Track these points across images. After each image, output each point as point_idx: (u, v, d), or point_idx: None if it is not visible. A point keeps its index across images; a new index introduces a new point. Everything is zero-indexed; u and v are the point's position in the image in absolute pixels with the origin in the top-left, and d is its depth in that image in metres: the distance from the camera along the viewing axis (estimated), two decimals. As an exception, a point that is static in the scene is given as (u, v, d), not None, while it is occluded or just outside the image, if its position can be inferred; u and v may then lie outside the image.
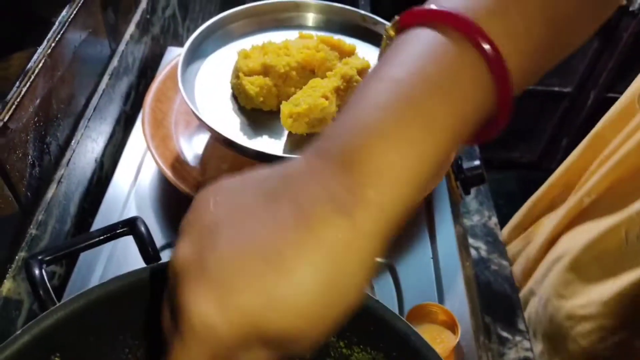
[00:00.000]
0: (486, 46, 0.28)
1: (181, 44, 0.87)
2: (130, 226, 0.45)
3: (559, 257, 0.78)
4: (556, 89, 1.83)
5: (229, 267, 0.26)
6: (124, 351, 0.44)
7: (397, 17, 0.33)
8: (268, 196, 0.28)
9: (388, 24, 0.83)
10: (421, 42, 0.29)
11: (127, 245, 0.64)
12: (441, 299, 0.64)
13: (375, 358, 0.46)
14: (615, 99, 0.78)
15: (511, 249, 0.94)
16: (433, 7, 0.29)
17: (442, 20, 0.29)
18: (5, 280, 0.53)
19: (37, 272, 0.42)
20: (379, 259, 0.31)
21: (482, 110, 0.30)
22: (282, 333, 0.25)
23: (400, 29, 0.32)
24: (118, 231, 0.45)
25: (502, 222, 0.90)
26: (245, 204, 0.28)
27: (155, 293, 0.42)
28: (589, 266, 0.73)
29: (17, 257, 0.55)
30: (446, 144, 0.27)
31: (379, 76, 0.29)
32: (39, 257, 0.43)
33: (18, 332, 0.36)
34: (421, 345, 0.43)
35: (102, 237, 0.45)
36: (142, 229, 0.45)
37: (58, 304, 0.38)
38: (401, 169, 0.26)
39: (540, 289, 0.82)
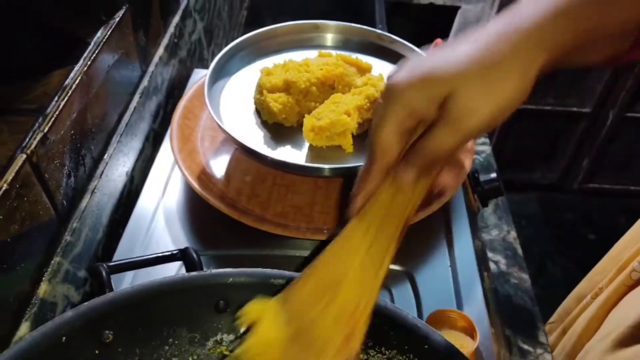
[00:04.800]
0: None
1: (206, 67, 0.91)
2: (182, 253, 0.55)
3: (603, 337, 0.69)
4: (574, 109, 1.83)
5: (421, 60, 0.39)
6: (163, 347, 0.48)
7: None
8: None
9: (404, 42, 0.86)
10: None
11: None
12: (460, 306, 0.65)
13: (389, 357, 0.48)
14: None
15: (551, 339, 0.84)
16: None
17: None
18: (41, 283, 0.56)
19: (104, 274, 0.52)
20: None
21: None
22: (451, 86, 0.36)
23: None
24: (170, 256, 0.56)
25: (524, 244, 0.88)
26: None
27: (198, 300, 0.48)
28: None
29: (52, 262, 0.58)
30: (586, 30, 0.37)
31: None
32: (105, 265, 0.53)
33: (86, 303, 0.44)
34: (429, 332, 0.46)
35: (157, 259, 0.56)
36: (194, 255, 0.54)
37: (115, 291, 0.45)
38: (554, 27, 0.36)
39: None
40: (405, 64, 0.39)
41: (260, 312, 0.41)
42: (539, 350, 0.76)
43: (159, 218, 0.72)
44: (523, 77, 0.36)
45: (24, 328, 0.53)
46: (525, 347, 0.77)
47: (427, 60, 0.38)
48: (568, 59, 0.39)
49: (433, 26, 1.84)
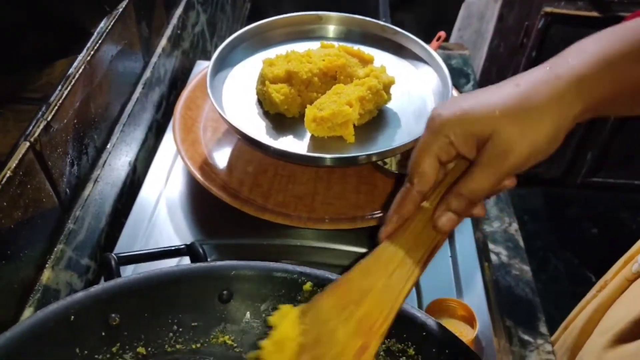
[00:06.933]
0: None
1: (209, 59, 0.91)
2: (188, 248, 0.57)
3: (603, 333, 0.68)
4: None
5: (466, 97, 0.41)
6: (168, 334, 0.49)
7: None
8: None
9: (407, 34, 0.86)
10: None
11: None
12: (460, 296, 0.66)
13: (388, 345, 0.49)
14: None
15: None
16: None
17: None
18: (45, 270, 0.57)
19: (114, 264, 0.53)
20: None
21: None
22: (490, 126, 0.38)
23: None
24: (177, 251, 0.57)
25: (527, 239, 0.88)
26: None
27: (203, 290, 0.49)
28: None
29: (56, 249, 0.59)
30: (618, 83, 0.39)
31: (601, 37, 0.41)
32: (115, 255, 0.54)
33: (96, 286, 0.45)
34: (427, 320, 0.48)
35: (164, 253, 0.57)
36: (199, 249, 0.56)
37: (124, 277, 0.46)
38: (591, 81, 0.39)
39: None
40: (451, 98, 0.42)
41: (282, 317, 0.43)
42: (540, 341, 0.77)
43: (162, 207, 0.73)
44: (557, 123, 0.39)
45: (27, 314, 0.54)
46: (526, 337, 0.77)
47: (471, 97, 0.40)
48: (605, 110, 0.41)
49: (437, 19, 1.84)
